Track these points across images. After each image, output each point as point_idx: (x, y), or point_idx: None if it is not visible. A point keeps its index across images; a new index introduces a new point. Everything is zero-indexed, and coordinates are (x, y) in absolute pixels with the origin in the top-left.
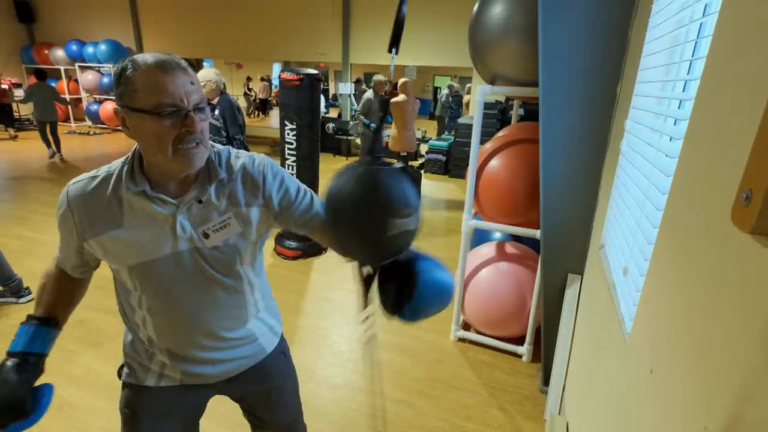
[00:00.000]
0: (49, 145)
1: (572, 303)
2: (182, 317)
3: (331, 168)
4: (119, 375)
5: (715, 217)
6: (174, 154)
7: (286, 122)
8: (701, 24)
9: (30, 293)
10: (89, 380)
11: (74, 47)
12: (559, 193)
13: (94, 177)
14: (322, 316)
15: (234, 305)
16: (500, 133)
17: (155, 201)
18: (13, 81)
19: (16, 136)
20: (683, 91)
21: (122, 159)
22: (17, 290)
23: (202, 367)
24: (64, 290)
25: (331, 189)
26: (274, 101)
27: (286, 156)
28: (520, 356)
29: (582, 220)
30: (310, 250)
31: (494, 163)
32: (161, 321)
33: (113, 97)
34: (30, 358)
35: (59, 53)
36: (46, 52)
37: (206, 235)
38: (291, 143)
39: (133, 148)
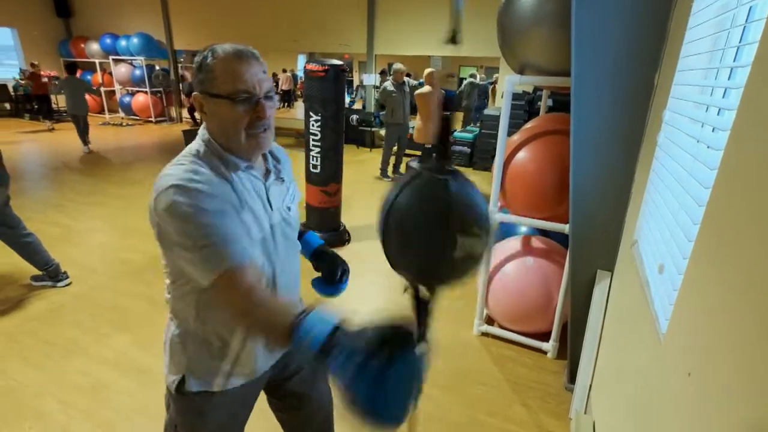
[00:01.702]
0: (84, 142)
1: (601, 300)
2: (283, 286)
3: (354, 159)
4: (180, 390)
5: (763, 214)
6: (247, 138)
7: (310, 113)
8: (750, 8)
9: (67, 277)
10: (121, 363)
11: (108, 41)
12: (589, 186)
13: (192, 170)
14: (346, 307)
15: (299, 274)
16: (528, 125)
17: (254, 177)
18: (52, 74)
19: (52, 128)
20: (729, 79)
21: (193, 148)
22: (55, 274)
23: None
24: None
25: (388, 197)
26: (299, 93)
27: (311, 147)
28: (544, 352)
29: (613, 215)
30: (334, 241)
31: (522, 155)
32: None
33: (144, 89)
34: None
35: (94, 47)
36: (82, 45)
37: (289, 208)
38: (315, 134)
39: (202, 137)
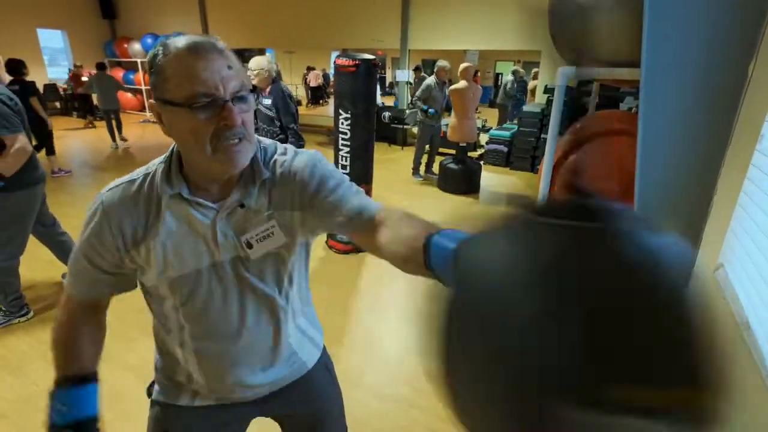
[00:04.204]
0: (113, 138)
1: None
2: (224, 334)
3: (385, 158)
4: (149, 393)
5: None
6: (213, 151)
7: (340, 111)
8: None
9: None
10: (144, 371)
11: (149, 41)
12: (659, 196)
13: (132, 181)
14: (372, 318)
15: (276, 317)
16: (579, 123)
17: (194, 205)
18: (94, 73)
19: (93, 125)
20: None
21: (161, 158)
22: None
23: (239, 390)
24: (94, 335)
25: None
26: (330, 91)
27: (340, 146)
28: None
29: (687, 231)
30: None
31: (575, 158)
32: (201, 342)
33: None
34: (89, 423)
35: (136, 47)
36: (125, 45)
37: (249, 245)
38: (345, 133)
39: (172, 146)
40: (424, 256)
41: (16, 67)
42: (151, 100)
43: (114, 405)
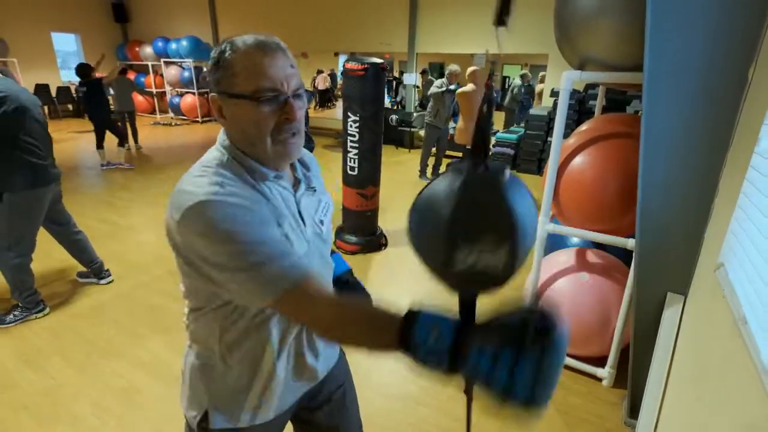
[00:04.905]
0: (126, 139)
1: (672, 327)
2: None
3: (392, 160)
4: (202, 427)
5: None
6: (273, 144)
7: (349, 114)
8: None
9: (110, 275)
10: (156, 366)
11: (160, 44)
12: (661, 197)
13: (220, 183)
14: None
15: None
16: (584, 126)
17: (284, 189)
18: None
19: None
20: None
21: (212, 161)
22: (99, 272)
23: (314, 372)
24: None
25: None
26: (338, 93)
27: (348, 148)
28: (599, 379)
29: (689, 231)
30: (370, 245)
31: (579, 160)
32: (291, 327)
33: (192, 90)
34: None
35: (148, 50)
36: (137, 49)
37: (322, 222)
38: (353, 135)
39: (222, 143)
40: None
41: (85, 70)
42: (213, 95)
43: (128, 400)
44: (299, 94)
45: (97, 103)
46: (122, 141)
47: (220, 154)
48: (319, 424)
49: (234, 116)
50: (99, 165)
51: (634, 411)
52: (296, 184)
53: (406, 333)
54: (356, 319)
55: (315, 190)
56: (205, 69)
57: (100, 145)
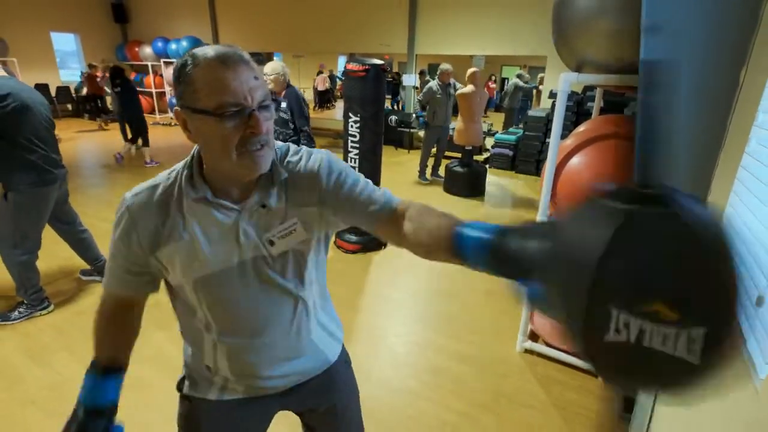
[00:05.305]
0: (125, 139)
1: None
2: (248, 330)
3: (392, 161)
4: (179, 388)
5: None
6: (239, 157)
7: (350, 114)
8: None
9: None
10: (160, 361)
11: (160, 44)
12: None
13: (154, 186)
14: (379, 314)
15: (298, 313)
16: (581, 127)
17: (217, 207)
18: (108, 75)
19: (107, 127)
20: None
21: (182, 163)
22: (102, 270)
23: (266, 381)
24: (123, 328)
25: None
26: (338, 94)
27: (349, 149)
28: (594, 375)
29: None
30: (370, 244)
31: (576, 160)
32: (227, 337)
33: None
34: (105, 409)
35: (147, 50)
36: (137, 49)
37: (271, 243)
38: (354, 135)
39: (193, 151)
40: (452, 244)
41: (119, 73)
42: (177, 108)
43: (134, 394)
44: (265, 105)
45: (131, 103)
46: (145, 142)
47: (182, 164)
48: (311, 426)
49: (198, 131)
50: (144, 162)
51: (628, 405)
52: (245, 199)
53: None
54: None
55: (269, 208)
56: None
57: (134, 140)
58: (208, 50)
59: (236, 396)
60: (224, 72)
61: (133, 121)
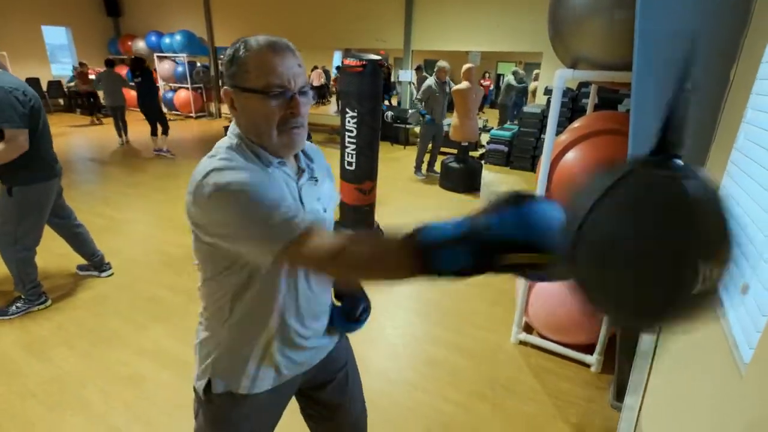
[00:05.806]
0: (120, 134)
1: None
2: (304, 295)
3: (388, 156)
4: (207, 393)
5: None
6: (279, 135)
7: (347, 109)
8: None
9: (110, 268)
10: (158, 354)
11: (153, 38)
12: None
13: (231, 158)
14: (376, 307)
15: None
16: (576, 124)
17: (287, 175)
18: (99, 71)
19: (100, 122)
20: None
21: (224, 146)
22: (99, 265)
23: (300, 352)
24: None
25: (578, 204)
26: (333, 89)
27: (346, 144)
28: (588, 366)
29: None
30: None
31: (571, 156)
32: (289, 300)
33: (186, 86)
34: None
35: (141, 44)
36: (130, 43)
37: (324, 210)
38: (351, 131)
39: (232, 134)
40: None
41: (140, 64)
42: (226, 88)
43: (135, 386)
44: (305, 92)
45: (150, 94)
46: (165, 130)
47: (230, 140)
48: (323, 402)
49: (244, 108)
50: (152, 150)
51: (619, 394)
52: (299, 172)
53: (420, 240)
54: (367, 252)
55: (317, 181)
56: (199, 64)
57: (154, 132)
58: (260, 38)
59: (267, 385)
60: (273, 57)
61: (152, 111)
